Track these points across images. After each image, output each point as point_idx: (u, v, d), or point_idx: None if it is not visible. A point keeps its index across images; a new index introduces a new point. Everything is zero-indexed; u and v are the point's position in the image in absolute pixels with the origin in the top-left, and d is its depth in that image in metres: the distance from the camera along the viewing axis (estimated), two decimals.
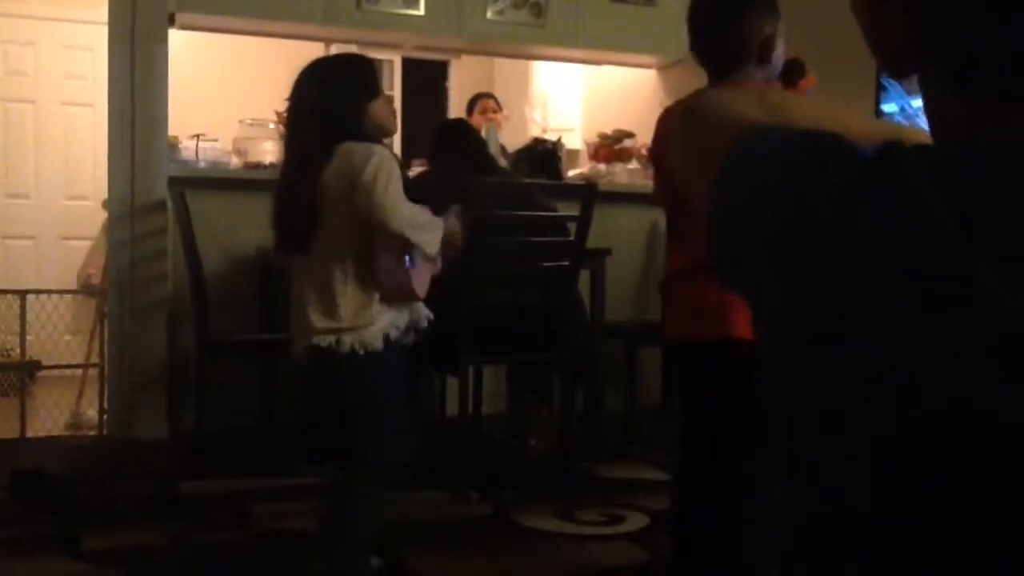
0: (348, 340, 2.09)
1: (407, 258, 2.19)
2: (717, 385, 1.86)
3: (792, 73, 1.81)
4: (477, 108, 4.95)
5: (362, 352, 2.09)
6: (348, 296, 2.11)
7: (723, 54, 1.89)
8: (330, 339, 2.10)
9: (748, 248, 0.60)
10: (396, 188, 2.12)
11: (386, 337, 2.13)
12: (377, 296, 2.14)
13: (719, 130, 0.70)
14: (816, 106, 0.80)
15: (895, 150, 0.56)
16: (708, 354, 1.84)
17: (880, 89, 2.37)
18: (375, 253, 2.14)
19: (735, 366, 1.75)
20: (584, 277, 3.61)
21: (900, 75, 0.64)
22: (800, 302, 0.56)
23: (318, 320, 2.11)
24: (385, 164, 2.10)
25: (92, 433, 3.95)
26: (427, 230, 2.20)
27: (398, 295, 2.19)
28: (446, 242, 2.29)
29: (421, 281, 2.26)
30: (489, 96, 5.10)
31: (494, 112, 4.94)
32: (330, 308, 2.11)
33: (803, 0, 3.74)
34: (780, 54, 1.91)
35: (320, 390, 2.26)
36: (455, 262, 2.52)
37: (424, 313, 2.26)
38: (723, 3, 1.91)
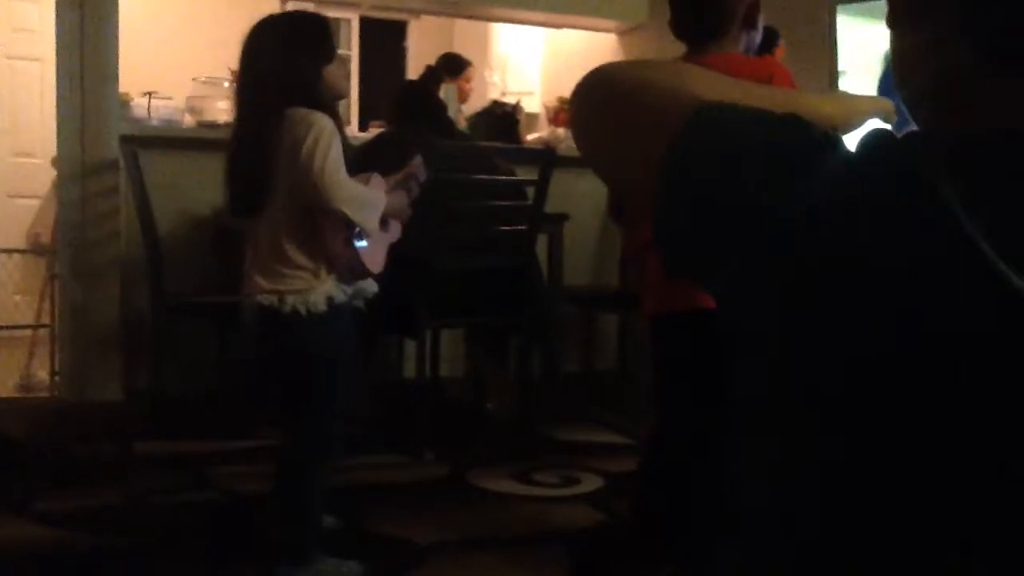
0: (291, 300, 2.10)
1: (356, 234, 2.17)
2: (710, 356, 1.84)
3: (768, 41, 1.82)
4: (463, 75, 4.87)
5: (304, 312, 2.10)
6: (293, 260, 2.12)
7: (709, 20, 1.85)
8: (273, 298, 2.11)
9: (718, 239, 0.57)
10: (333, 164, 2.09)
11: (330, 299, 2.14)
12: (324, 265, 2.14)
13: (645, 96, 0.65)
14: (725, 83, 0.76)
15: (882, 144, 0.54)
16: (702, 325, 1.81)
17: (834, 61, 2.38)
18: (320, 224, 2.14)
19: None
20: (542, 242, 3.62)
21: (894, 26, 0.61)
22: (788, 305, 0.54)
23: (262, 280, 2.12)
24: (323, 138, 2.08)
25: (44, 395, 3.90)
26: (367, 206, 2.17)
27: (352, 275, 2.20)
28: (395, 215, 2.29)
29: (374, 255, 2.25)
30: (471, 64, 5.03)
31: (467, 80, 4.91)
32: (274, 270, 2.12)
33: None
34: (761, 22, 1.90)
35: (265, 349, 2.27)
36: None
37: (371, 286, 2.27)
38: None
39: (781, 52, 1.94)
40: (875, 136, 0.55)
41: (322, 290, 2.13)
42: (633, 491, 2.06)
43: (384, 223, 2.28)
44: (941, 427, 0.51)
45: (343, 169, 2.13)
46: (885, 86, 0.95)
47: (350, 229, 2.15)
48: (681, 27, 1.90)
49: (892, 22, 0.61)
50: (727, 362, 0.61)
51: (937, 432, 0.51)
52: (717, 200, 0.57)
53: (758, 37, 1.91)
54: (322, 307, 2.12)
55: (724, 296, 0.60)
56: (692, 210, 0.59)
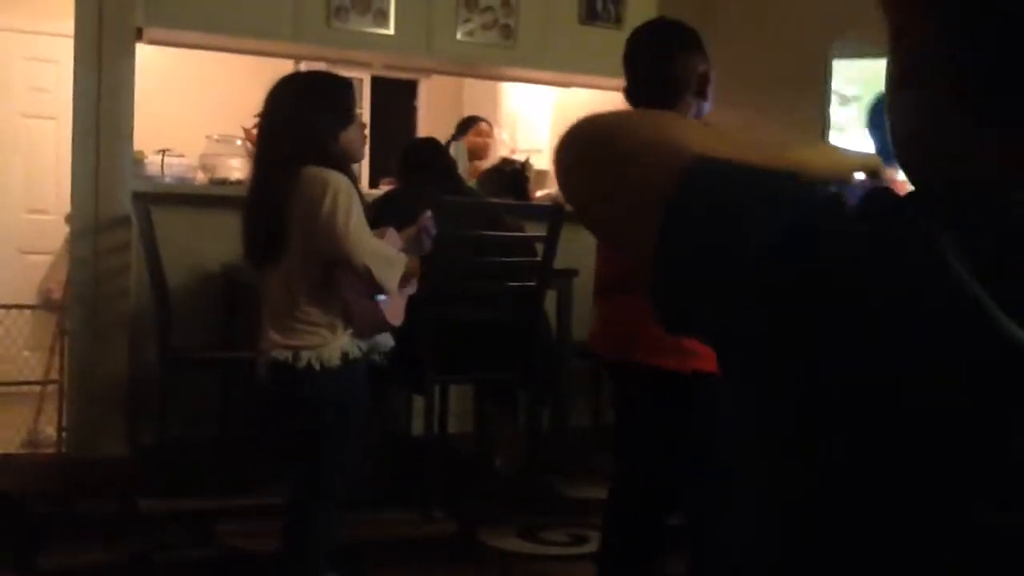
0: (305, 356, 2.11)
1: (376, 288, 2.18)
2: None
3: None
4: (472, 130, 4.95)
5: (318, 367, 2.10)
6: (308, 316, 2.13)
7: (660, 92, 1.95)
8: (287, 354, 2.11)
9: (722, 296, 0.57)
10: (358, 220, 2.12)
11: (345, 355, 2.14)
12: (340, 320, 2.14)
13: (632, 146, 0.65)
14: (711, 132, 0.75)
15: (883, 199, 0.55)
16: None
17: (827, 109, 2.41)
18: (339, 282, 2.15)
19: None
20: (551, 297, 3.62)
21: (897, 90, 0.62)
22: (800, 357, 0.54)
23: (277, 336, 2.13)
24: (342, 195, 2.10)
25: (50, 451, 3.88)
26: (390, 265, 2.19)
27: (371, 328, 2.20)
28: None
29: (395, 309, 2.26)
30: (483, 119, 5.11)
31: (487, 136, 4.97)
32: (289, 325, 2.13)
33: (748, 25, 3.82)
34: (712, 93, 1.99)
35: (279, 404, 2.27)
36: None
37: (388, 341, 2.28)
38: (658, 43, 1.99)
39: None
40: (876, 189, 0.57)
41: (336, 345, 2.13)
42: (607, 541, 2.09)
43: (402, 281, 2.29)
44: (918, 460, 0.51)
45: (366, 225, 2.14)
46: (874, 120, 0.98)
47: (370, 284, 2.16)
48: (634, 95, 1.99)
49: (892, 85, 0.63)
50: (722, 394, 0.61)
51: (914, 464, 0.51)
52: (721, 241, 0.57)
53: (708, 107, 1.99)
54: (336, 362, 2.12)
55: (724, 335, 0.60)
56: (696, 253, 0.59)
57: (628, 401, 2.07)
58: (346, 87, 2.29)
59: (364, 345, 2.21)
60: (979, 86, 0.57)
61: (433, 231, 2.41)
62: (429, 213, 2.41)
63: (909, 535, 0.51)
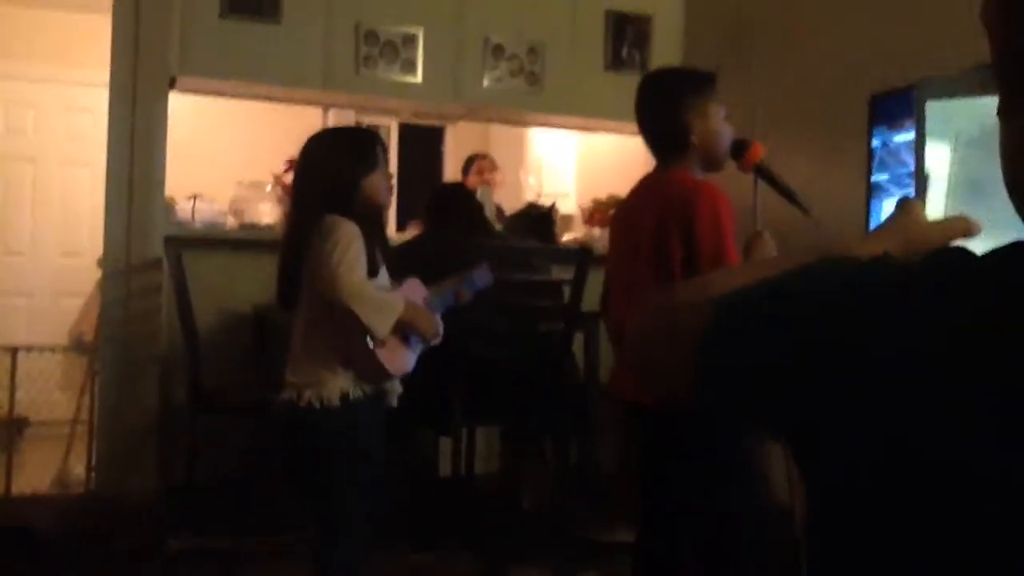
0: (307, 394, 2.16)
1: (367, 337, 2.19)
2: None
3: (737, 151, 2.01)
4: (473, 169, 5.01)
5: (318, 406, 2.14)
6: (312, 355, 2.19)
7: (662, 142, 2.07)
8: (292, 393, 2.16)
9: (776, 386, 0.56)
10: (351, 260, 2.15)
11: (344, 395, 2.15)
12: (338, 361, 2.17)
13: (666, 324, 0.67)
14: (747, 274, 0.74)
15: (955, 267, 0.51)
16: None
17: (871, 157, 2.42)
18: (339, 323, 2.17)
19: None
20: (578, 340, 3.62)
21: (1009, 115, 0.55)
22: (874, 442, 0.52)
23: (289, 374, 2.20)
24: (343, 240, 2.15)
25: (79, 490, 3.91)
26: (379, 310, 2.18)
27: (370, 373, 2.21)
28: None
29: (394, 357, 2.25)
30: (484, 157, 5.17)
31: (490, 172, 5.00)
32: (298, 365, 2.20)
33: (791, 65, 3.85)
34: (719, 137, 2.02)
35: (286, 442, 2.31)
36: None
37: (396, 387, 2.28)
38: (658, 94, 2.05)
39: (757, 153, 2.05)
40: (942, 254, 0.52)
41: (335, 384, 2.16)
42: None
43: (403, 329, 2.27)
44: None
45: (360, 271, 2.17)
46: None
47: (361, 328, 2.16)
48: (648, 146, 2.12)
49: (1007, 109, 0.55)
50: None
51: None
52: (780, 347, 0.56)
53: (716, 156, 2.06)
54: (335, 401, 2.15)
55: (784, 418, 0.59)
56: (747, 349, 0.58)
57: (644, 443, 2.07)
58: (370, 137, 2.40)
59: (368, 388, 2.22)
60: None
61: (482, 283, 2.44)
62: (485, 264, 2.44)
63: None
